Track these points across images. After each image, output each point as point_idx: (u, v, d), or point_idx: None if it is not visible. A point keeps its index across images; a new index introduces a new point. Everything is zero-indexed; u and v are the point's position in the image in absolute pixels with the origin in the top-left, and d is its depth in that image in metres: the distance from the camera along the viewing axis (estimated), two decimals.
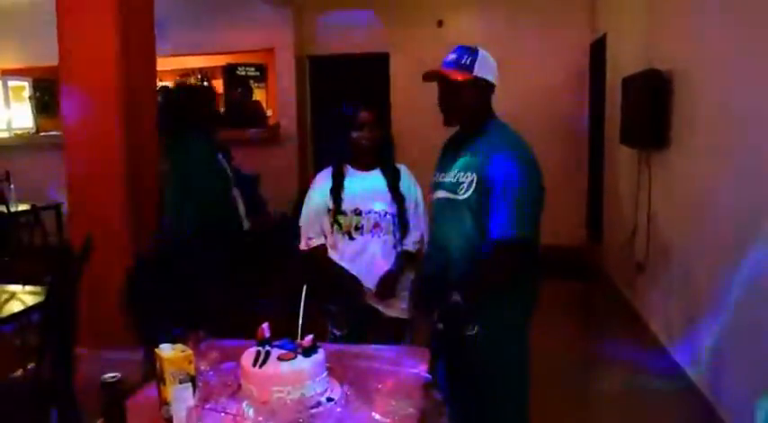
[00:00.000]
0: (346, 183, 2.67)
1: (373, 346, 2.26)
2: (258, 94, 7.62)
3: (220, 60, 7.71)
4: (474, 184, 2.07)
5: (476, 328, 2.12)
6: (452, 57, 2.16)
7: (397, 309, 2.65)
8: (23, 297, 3.02)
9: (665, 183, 4.22)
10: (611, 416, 3.38)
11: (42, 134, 7.62)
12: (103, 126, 3.57)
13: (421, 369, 1.97)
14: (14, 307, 2.88)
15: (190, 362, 1.62)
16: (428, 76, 2.20)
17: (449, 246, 2.16)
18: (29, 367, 3.63)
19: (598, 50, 6.28)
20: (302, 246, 2.76)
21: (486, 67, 2.13)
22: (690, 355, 3.67)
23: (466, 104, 2.17)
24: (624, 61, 5.13)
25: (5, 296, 3.07)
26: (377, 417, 1.63)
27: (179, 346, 1.65)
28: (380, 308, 2.65)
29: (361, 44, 7.18)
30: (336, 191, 2.66)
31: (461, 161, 2.15)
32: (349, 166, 2.70)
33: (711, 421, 3.18)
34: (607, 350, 4.29)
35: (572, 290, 5.54)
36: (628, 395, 3.54)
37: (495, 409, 2.19)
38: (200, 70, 8.39)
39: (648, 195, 4.45)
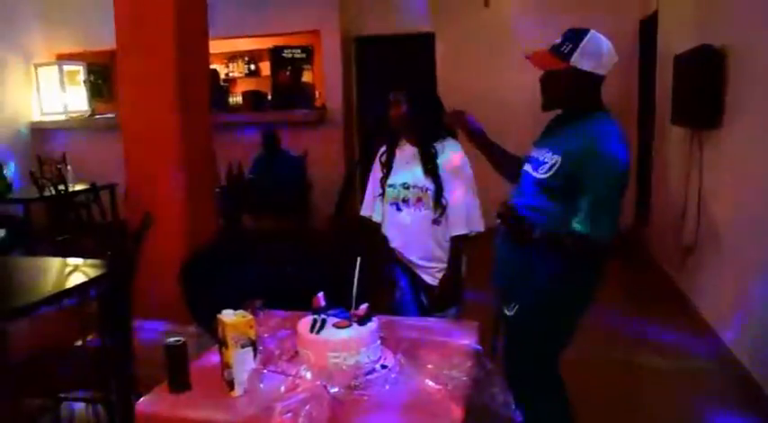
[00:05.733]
0: (398, 156, 2.81)
1: (426, 319, 2.33)
2: (305, 76, 7.69)
3: (267, 43, 7.79)
4: (556, 167, 2.07)
5: (515, 307, 2.25)
6: (556, 42, 2.09)
7: (436, 279, 2.78)
8: (86, 270, 3.14)
9: (718, 164, 4.13)
10: (658, 396, 3.36)
11: (97, 117, 7.83)
12: (159, 108, 3.67)
13: (471, 340, 2.02)
14: (78, 279, 3.01)
15: (251, 327, 1.69)
16: (528, 59, 2.15)
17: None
18: (89, 338, 3.80)
19: (648, 28, 6.14)
20: (363, 211, 3.00)
21: (587, 57, 2.02)
22: (740, 337, 3.62)
23: (561, 93, 2.12)
24: (677, 38, 5.01)
25: (69, 269, 3.21)
26: (430, 383, 1.68)
27: (240, 312, 1.72)
28: (423, 276, 2.79)
29: (406, 24, 7.16)
30: (388, 164, 2.83)
31: (554, 141, 2.16)
32: (404, 141, 2.83)
33: (760, 402, 3.14)
34: (655, 331, 4.26)
35: (618, 271, 5.47)
36: (676, 375, 3.53)
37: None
38: (248, 53, 8.50)
39: (699, 177, 4.36)
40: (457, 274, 2.75)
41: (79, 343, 3.81)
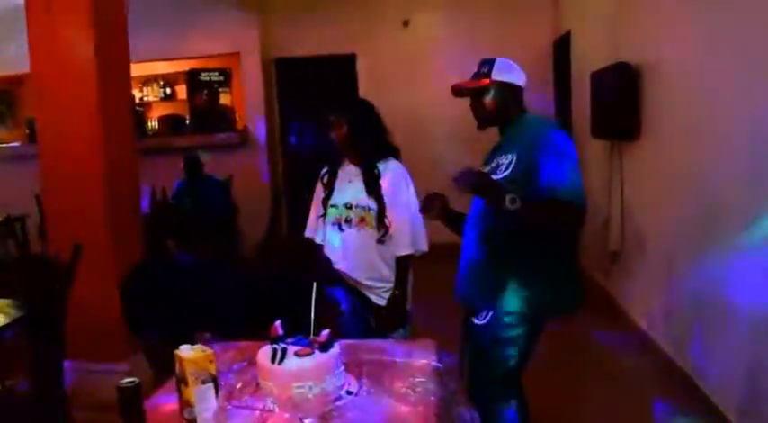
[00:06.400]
0: (341, 176, 2.81)
1: (382, 341, 2.30)
2: (223, 99, 7.55)
3: (183, 66, 7.60)
4: (513, 163, 2.18)
5: (488, 315, 2.23)
6: (474, 71, 2.39)
7: (384, 299, 2.75)
8: (6, 310, 2.93)
9: (638, 173, 4.33)
10: (594, 397, 3.45)
11: (2, 146, 7.39)
12: (80, 134, 3.50)
13: (431, 359, 2.00)
14: None
15: (211, 361, 1.61)
16: (455, 92, 2.40)
17: (480, 220, 2.25)
18: (6, 384, 3.53)
19: (562, 47, 6.40)
20: (307, 233, 2.96)
21: (504, 72, 2.33)
22: (670, 337, 3.77)
23: (490, 107, 2.34)
24: (591, 56, 5.23)
25: None
26: (400, 406, 1.65)
27: (199, 347, 1.63)
28: (370, 296, 2.76)
29: (327, 46, 7.17)
30: (329, 184, 2.82)
31: (501, 151, 2.30)
32: (346, 162, 2.81)
33: (696, 400, 3.27)
34: (588, 336, 4.38)
35: None
36: (610, 377, 3.64)
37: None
38: (163, 77, 8.26)
39: (621, 186, 4.56)
40: (403, 293, 2.74)
41: None
